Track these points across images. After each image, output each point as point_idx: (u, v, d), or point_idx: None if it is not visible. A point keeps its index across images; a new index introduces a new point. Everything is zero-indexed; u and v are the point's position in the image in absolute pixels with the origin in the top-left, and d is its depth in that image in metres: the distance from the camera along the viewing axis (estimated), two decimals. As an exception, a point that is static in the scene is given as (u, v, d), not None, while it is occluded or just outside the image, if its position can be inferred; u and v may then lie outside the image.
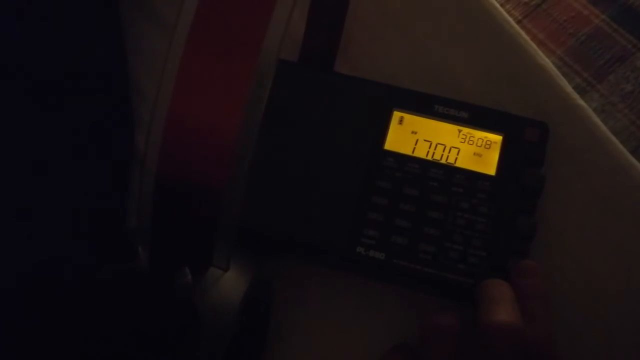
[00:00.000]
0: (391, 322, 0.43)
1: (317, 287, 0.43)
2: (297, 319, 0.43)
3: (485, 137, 0.43)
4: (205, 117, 0.28)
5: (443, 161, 0.43)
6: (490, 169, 0.42)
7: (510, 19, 0.49)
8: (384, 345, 0.41)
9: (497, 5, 0.49)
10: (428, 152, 0.43)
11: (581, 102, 0.46)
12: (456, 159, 0.43)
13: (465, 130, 0.43)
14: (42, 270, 0.34)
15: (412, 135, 0.43)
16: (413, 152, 0.43)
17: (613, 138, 0.46)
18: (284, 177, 0.43)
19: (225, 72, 0.28)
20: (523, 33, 0.49)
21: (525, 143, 0.42)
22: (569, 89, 0.47)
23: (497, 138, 0.43)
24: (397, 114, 0.44)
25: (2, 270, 0.36)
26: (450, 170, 0.42)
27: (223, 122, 0.28)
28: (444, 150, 0.43)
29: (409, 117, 0.44)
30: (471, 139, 0.43)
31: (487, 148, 0.43)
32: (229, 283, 0.29)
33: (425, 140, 0.43)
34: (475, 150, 0.43)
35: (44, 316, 0.29)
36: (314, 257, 0.43)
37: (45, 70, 0.43)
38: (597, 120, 0.46)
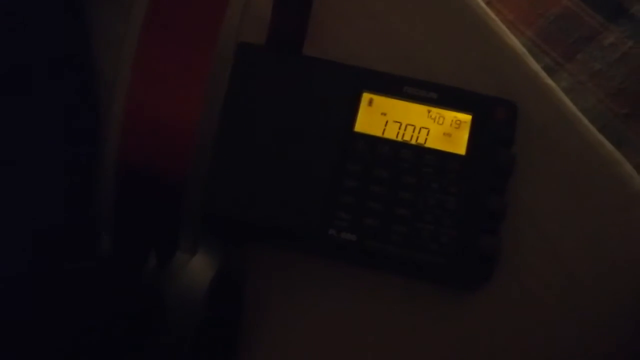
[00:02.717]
0: (370, 305, 0.43)
1: (291, 272, 0.43)
2: (272, 305, 0.43)
3: (455, 117, 0.43)
4: (164, 102, 0.28)
5: (413, 142, 0.43)
6: (460, 149, 0.42)
7: (479, 0, 0.49)
8: (362, 329, 0.42)
9: (465, -15, 0.49)
10: (398, 133, 0.43)
11: (549, 81, 0.47)
12: (426, 139, 0.43)
13: (435, 110, 0.43)
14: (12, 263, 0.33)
15: (382, 116, 0.43)
16: (383, 133, 0.43)
17: (581, 116, 0.46)
18: (254, 162, 0.42)
19: (184, 56, 0.28)
20: (492, 13, 0.49)
21: (494, 122, 0.43)
22: (537, 68, 0.47)
23: (466, 118, 0.43)
24: (366, 96, 0.44)
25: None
26: (421, 151, 0.42)
27: (182, 107, 0.28)
28: (413, 131, 0.43)
29: (378, 99, 0.43)
30: (440, 119, 0.43)
31: (456, 128, 0.43)
32: (197, 268, 0.29)
33: (395, 121, 0.43)
34: (445, 130, 0.43)
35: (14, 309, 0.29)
36: (287, 241, 0.43)
37: (10, 54, 0.43)
38: (566, 99, 0.46)
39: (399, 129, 0.43)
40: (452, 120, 0.43)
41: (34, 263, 0.30)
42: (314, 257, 0.43)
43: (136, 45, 0.28)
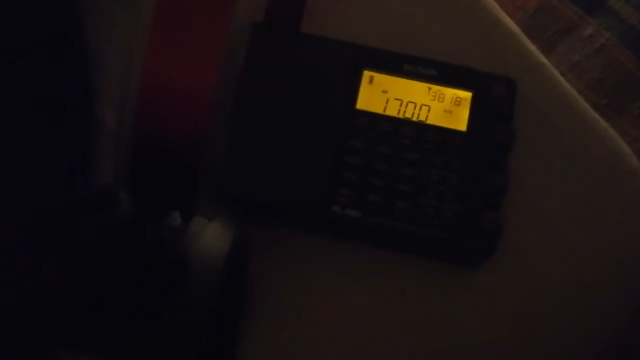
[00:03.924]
0: (372, 285, 0.43)
1: (293, 250, 0.43)
2: (274, 283, 0.42)
3: (455, 94, 0.43)
4: (181, 71, 0.28)
5: (414, 119, 0.43)
6: (461, 125, 0.42)
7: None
8: (365, 306, 0.42)
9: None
10: (399, 110, 0.43)
11: (544, 60, 0.47)
12: (427, 116, 0.43)
13: (435, 88, 0.43)
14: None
15: (383, 94, 0.43)
16: (384, 111, 0.43)
17: (577, 95, 0.47)
18: (255, 140, 0.42)
19: (201, 28, 0.28)
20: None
21: (494, 99, 0.43)
22: (532, 47, 0.47)
23: (466, 95, 0.43)
24: (367, 74, 0.44)
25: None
26: (422, 128, 0.42)
27: (199, 74, 0.28)
28: (414, 108, 0.43)
29: (379, 77, 0.44)
30: (441, 96, 0.43)
31: (457, 105, 0.43)
32: (215, 232, 0.28)
33: (396, 99, 0.43)
34: (445, 107, 0.43)
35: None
36: (290, 218, 0.43)
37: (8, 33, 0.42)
38: (560, 78, 0.47)
39: (400, 106, 0.43)
40: (453, 98, 0.43)
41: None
42: (316, 234, 0.43)
43: (152, 15, 0.27)
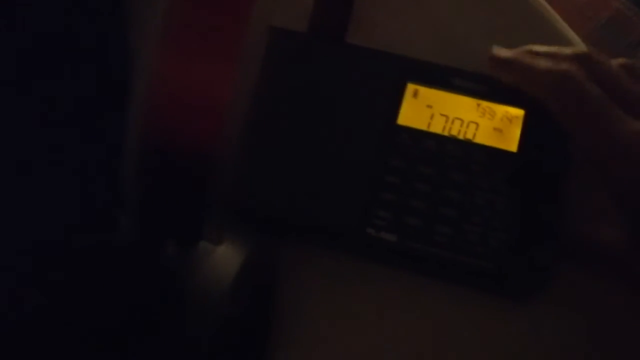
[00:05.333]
0: (409, 312, 0.40)
1: (325, 273, 0.41)
2: (303, 308, 0.40)
3: (506, 112, 0.40)
4: (193, 80, 0.26)
5: (461, 137, 0.40)
6: (512, 146, 0.39)
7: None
8: (399, 337, 0.39)
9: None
10: (444, 127, 0.40)
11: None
12: (475, 134, 0.40)
13: (485, 104, 0.40)
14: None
15: (428, 109, 0.40)
16: (428, 127, 0.40)
17: None
18: (289, 155, 0.40)
19: (216, 36, 0.26)
20: (547, 4, 0.46)
21: (549, 119, 0.39)
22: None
23: (518, 112, 0.40)
24: (411, 87, 0.41)
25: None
26: (469, 147, 0.39)
27: (211, 86, 0.26)
28: (461, 126, 0.40)
29: (424, 90, 0.41)
30: (491, 113, 0.40)
31: (508, 123, 0.40)
32: (221, 258, 0.26)
33: (441, 114, 0.40)
34: (495, 125, 0.40)
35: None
36: (322, 239, 0.40)
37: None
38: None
39: (446, 122, 0.40)
40: (504, 115, 0.40)
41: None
42: (350, 258, 0.40)
43: (164, 20, 0.26)
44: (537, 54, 0.39)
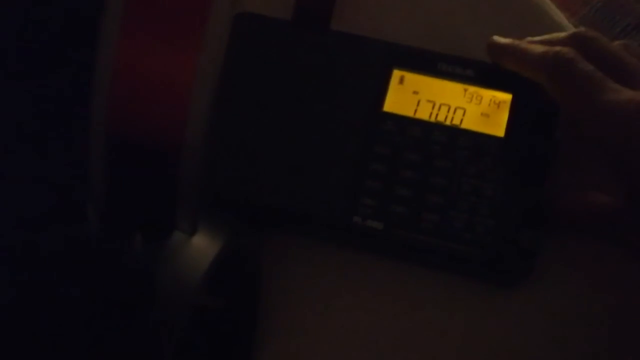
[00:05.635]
0: (396, 300, 0.39)
1: (310, 262, 0.40)
2: (289, 298, 0.40)
3: (494, 97, 0.39)
4: (155, 67, 0.25)
5: (447, 123, 0.39)
6: (499, 131, 0.39)
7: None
8: (386, 325, 0.38)
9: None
10: (431, 113, 0.39)
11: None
12: (462, 120, 0.39)
13: (472, 89, 0.40)
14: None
15: (414, 95, 0.40)
16: (415, 113, 0.39)
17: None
18: (276, 143, 0.39)
19: (176, 21, 0.25)
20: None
21: (537, 103, 0.39)
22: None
23: (506, 97, 0.39)
24: (397, 73, 0.40)
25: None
26: (455, 132, 0.39)
27: (175, 72, 0.25)
28: (448, 111, 0.39)
29: (410, 76, 0.40)
30: (478, 98, 0.40)
31: (495, 108, 0.39)
32: (195, 249, 0.26)
33: (428, 100, 0.40)
34: (482, 110, 0.39)
35: None
36: (308, 228, 0.40)
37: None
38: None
39: (432, 108, 0.40)
40: (491, 100, 0.39)
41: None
42: (336, 246, 0.40)
43: (124, 7, 0.25)
44: (534, 41, 0.39)
